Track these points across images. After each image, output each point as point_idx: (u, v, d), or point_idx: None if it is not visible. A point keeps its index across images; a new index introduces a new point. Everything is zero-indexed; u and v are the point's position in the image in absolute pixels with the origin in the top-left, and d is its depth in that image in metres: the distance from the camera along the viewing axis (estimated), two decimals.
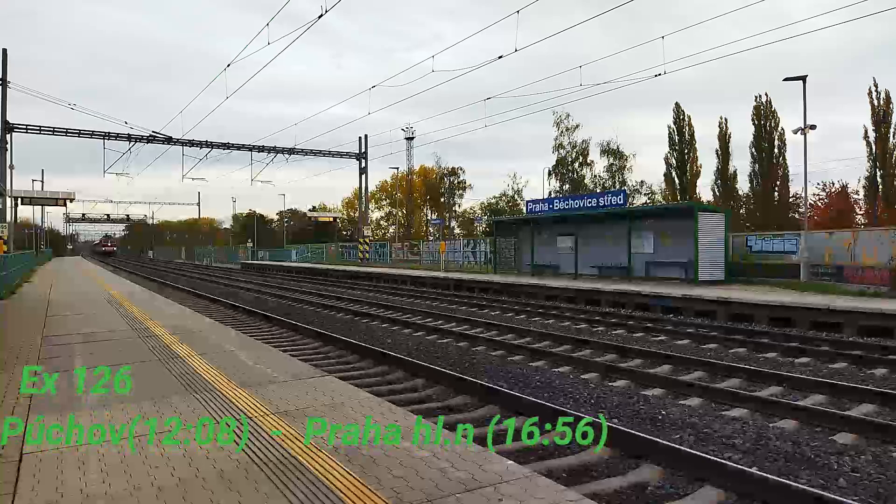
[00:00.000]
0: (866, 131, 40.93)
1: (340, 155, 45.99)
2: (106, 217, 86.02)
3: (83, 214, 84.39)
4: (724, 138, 48.61)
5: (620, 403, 6.99)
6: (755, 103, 47.00)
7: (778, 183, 46.21)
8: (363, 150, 46.43)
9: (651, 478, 4.86)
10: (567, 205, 26.78)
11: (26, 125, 32.96)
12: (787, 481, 4.51)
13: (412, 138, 67.98)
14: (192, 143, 37.98)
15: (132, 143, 35.88)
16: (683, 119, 50.51)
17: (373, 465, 3.51)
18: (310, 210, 76.23)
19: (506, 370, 8.84)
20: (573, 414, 6.11)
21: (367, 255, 45.72)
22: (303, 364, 6.67)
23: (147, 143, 36.57)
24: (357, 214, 62.86)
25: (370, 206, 58.67)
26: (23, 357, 7.13)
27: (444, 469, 3.43)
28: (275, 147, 41.75)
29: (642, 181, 55.93)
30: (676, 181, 50.55)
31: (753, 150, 47.24)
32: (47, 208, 65.74)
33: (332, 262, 50.24)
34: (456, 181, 75.83)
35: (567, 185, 55.98)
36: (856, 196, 43.85)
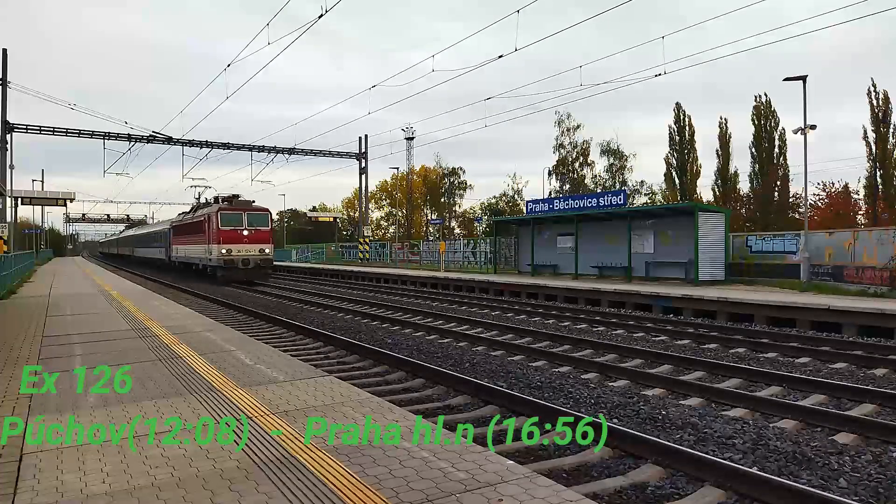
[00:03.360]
0: (866, 131, 40.95)
1: (340, 155, 45.96)
2: (106, 217, 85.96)
3: (83, 214, 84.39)
4: (724, 138, 48.63)
5: (620, 403, 6.99)
6: (755, 103, 47.04)
7: (778, 183, 46.21)
8: (363, 150, 46.41)
9: (651, 478, 4.86)
10: (567, 205, 26.77)
11: (26, 125, 32.95)
12: (788, 481, 4.51)
13: (412, 138, 67.90)
14: (192, 143, 37.95)
15: (132, 143, 35.85)
16: (684, 119, 50.54)
17: (373, 465, 3.51)
18: (310, 210, 76.16)
19: (506, 370, 8.84)
20: (573, 414, 6.11)
21: (367, 255, 45.71)
22: (303, 364, 6.67)
23: (147, 143, 36.54)
24: (357, 214, 62.84)
25: (370, 206, 58.63)
26: (23, 357, 7.12)
27: (444, 469, 3.43)
28: (275, 147, 41.74)
29: (642, 181, 56.12)
30: (676, 181, 50.57)
31: (753, 150, 47.28)
32: (47, 208, 65.85)
33: (332, 262, 50.22)
34: (456, 181, 75.81)
35: (567, 185, 56.02)
36: (856, 196, 43.86)
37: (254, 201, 30.22)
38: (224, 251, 27.06)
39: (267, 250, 28.51)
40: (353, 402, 4.92)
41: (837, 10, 14.08)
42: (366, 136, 46.16)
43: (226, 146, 39.71)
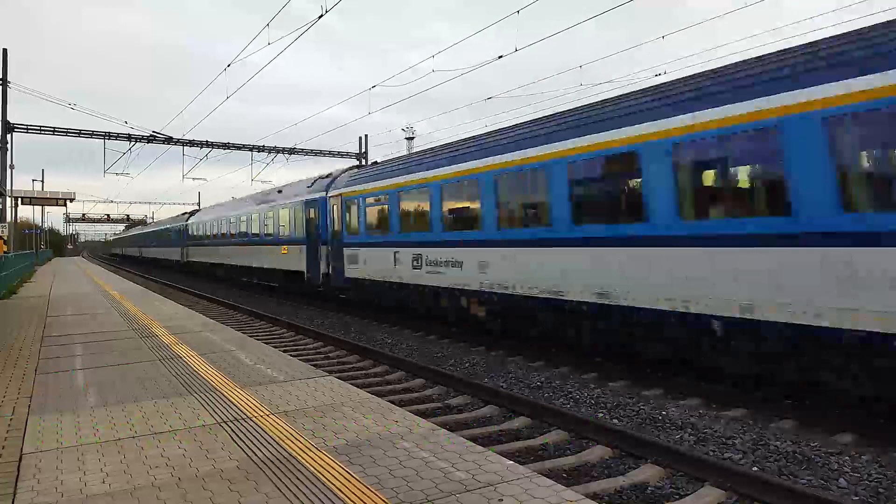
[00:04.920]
0: None
1: (341, 155, 46.01)
2: (106, 217, 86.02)
3: (83, 214, 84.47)
4: None
5: (620, 403, 6.98)
6: None
7: None
8: (363, 150, 46.45)
9: (651, 478, 4.87)
10: None
11: (26, 125, 32.97)
12: (787, 481, 4.51)
13: (412, 138, 67.86)
14: (192, 143, 37.98)
15: (132, 143, 35.89)
16: None
17: (373, 464, 3.51)
18: None
19: (506, 370, 8.83)
20: (573, 414, 6.11)
21: None
22: (303, 364, 6.67)
23: (147, 143, 36.56)
24: None
25: None
26: (23, 357, 7.13)
27: (444, 469, 3.43)
28: (275, 147, 41.76)
29: None
30: None
31: None
32: (47, 208, 65.86)
33: None
34: None
35: None
36: None
37: None
38: None
39: None
40: (353, 402, 4.92)
41: (837, 11, 14.11)
42: (366, 136, 46.19)
43: (226, 146, 39.72)
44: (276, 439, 3.99)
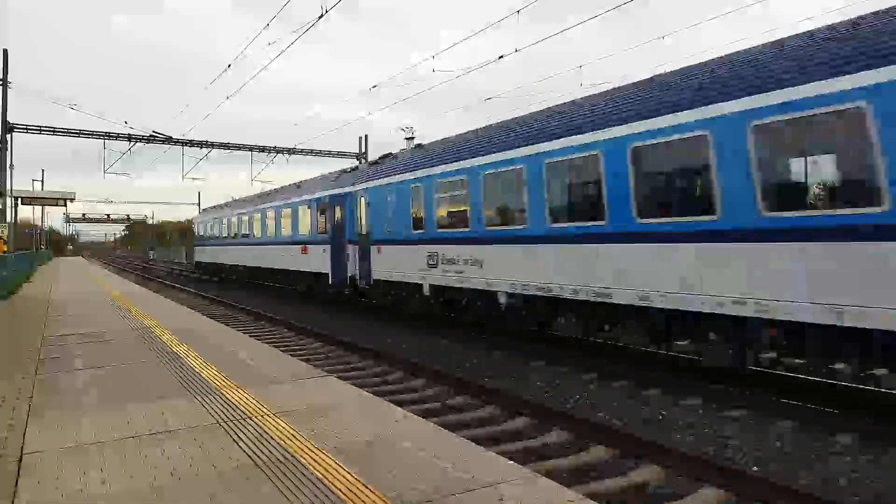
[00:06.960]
0: None
1: (341, 155, 45.99)
2: (106, 217, 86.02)
3: (83, 214, 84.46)
4: None
5: (620, 403, 6.99)
6: None
7: None
8: (363, 150, 46.44)
9: (651, 478, 4.87)
10: None
11: (26, 125, 32.97)
12: (787, 482, 4.51)
13: (412, 138, 67.93)
14: (192, 143, 37.96)
15: (132, 143, 35.87)
16: None
17: (373, 464, 3.51)
18: None
19: (506, 371, 8.84)
20: (573, 414, 6.12)
21: None
22: (303, 364, 6.67)
23: (147, 143, 36.54)
24: None
25: None
26: (23, 357, 7.13)
27: (445, 469, 3.43)
28: (275, 147, 41.76)
29: None
30: None
31: None
32: (47, 208, 65.67)
33: None
34: None
35: None
36: None
37: None
38: None
39: None
40: (353, 402, 4.92)
41: (832, 12, 14.11)
42: (366, 136, 46.15)
43: (226, 146, 39.72)
44: (277, 439, 3.99)
